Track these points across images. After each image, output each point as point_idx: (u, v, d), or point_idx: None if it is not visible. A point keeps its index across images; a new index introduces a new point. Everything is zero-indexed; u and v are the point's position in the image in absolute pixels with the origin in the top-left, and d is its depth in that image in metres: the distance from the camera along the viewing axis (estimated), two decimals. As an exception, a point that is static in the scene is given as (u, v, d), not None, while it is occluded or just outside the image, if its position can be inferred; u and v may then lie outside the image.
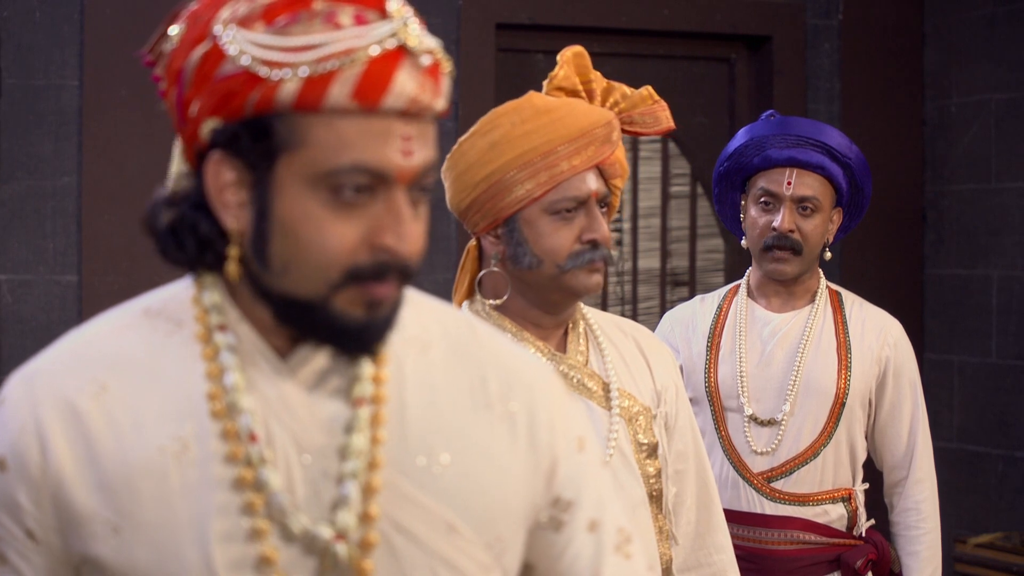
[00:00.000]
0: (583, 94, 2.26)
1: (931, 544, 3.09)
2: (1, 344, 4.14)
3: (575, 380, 2.20)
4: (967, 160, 4.91)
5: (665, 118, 2.30)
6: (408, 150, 1.27)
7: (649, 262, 4.95)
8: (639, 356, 2.29)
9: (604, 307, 4.84)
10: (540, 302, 2.22)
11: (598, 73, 2.29)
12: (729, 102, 4.98)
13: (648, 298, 4.95)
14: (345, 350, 1.31)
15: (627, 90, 2.29)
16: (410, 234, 1.28)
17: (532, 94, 2.23)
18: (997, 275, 4.80)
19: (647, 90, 2.29)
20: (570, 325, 2.27)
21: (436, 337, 1.41)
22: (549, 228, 2.17)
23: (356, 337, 1.30)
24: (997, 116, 4.80)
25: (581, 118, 2.18)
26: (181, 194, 1.33)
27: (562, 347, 2.25)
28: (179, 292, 1.38)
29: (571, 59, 2.27)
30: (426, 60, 1.27)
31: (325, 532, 1.30)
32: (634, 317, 4.89)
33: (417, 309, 1.42)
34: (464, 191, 2.20)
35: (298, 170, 1.26)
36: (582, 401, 2.19)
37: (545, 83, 2.28)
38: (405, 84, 1.25)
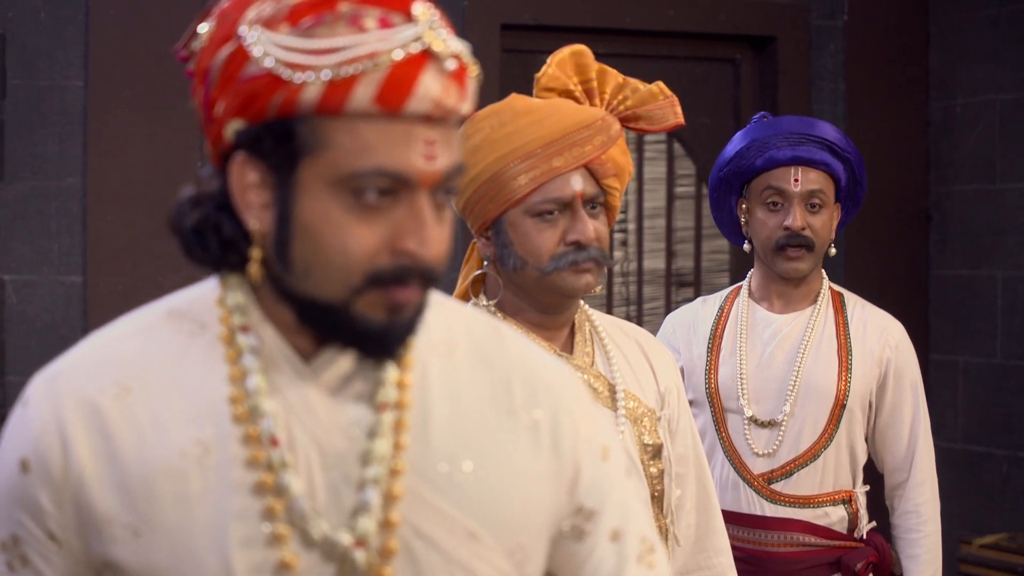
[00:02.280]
0: (578, 94, 2.23)
1: (931, 547, 3.07)
2: (6, 344, 4.13)
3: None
4: (972, 160, 4.91)
5: (674, 114, 2.26)
6: (431, 154, 1.26)
7: (654, 263, 4.95)
8: (642, 358, 2.28)
9: (609, 308, 4.83)
10: (533, 303, 2.21)
11: (608, 69, 2.25)
12: (734, 103, 4.97)
13: (653, 299, 4.94)
14: (367, 353, 1.30)
15: (640, 86, 2.25)
16: (432, 238, 1.27)
17: (514, 96, 2.21)
18: (1002, 276, 4.80)
19: (658, 86, 2.25)
20: (576, 326, 2.26)
21: (462, 341, 1.40)
22: (532, 230, 2.15)
23: (377, 341, 1.28)
24: (1002, 116, 4.80)
25: (565, 119, 2.16)
26: (206, 195, 1.32)
27: (568, 348, 2.24)
28: (205, 293, 1.37)
29: (568, 58, 2.24)
30: (451, 65, 1.26)
31: (345, 538, 1.29)
32: (639, 318, 4.89)
33: (443, 312, 1.41)
34: (456, 195, 2.19)
35: (320, 173, 1.25)
36: None
37: (535, 85, 2.27)
38: (429, 88, 1.24)
